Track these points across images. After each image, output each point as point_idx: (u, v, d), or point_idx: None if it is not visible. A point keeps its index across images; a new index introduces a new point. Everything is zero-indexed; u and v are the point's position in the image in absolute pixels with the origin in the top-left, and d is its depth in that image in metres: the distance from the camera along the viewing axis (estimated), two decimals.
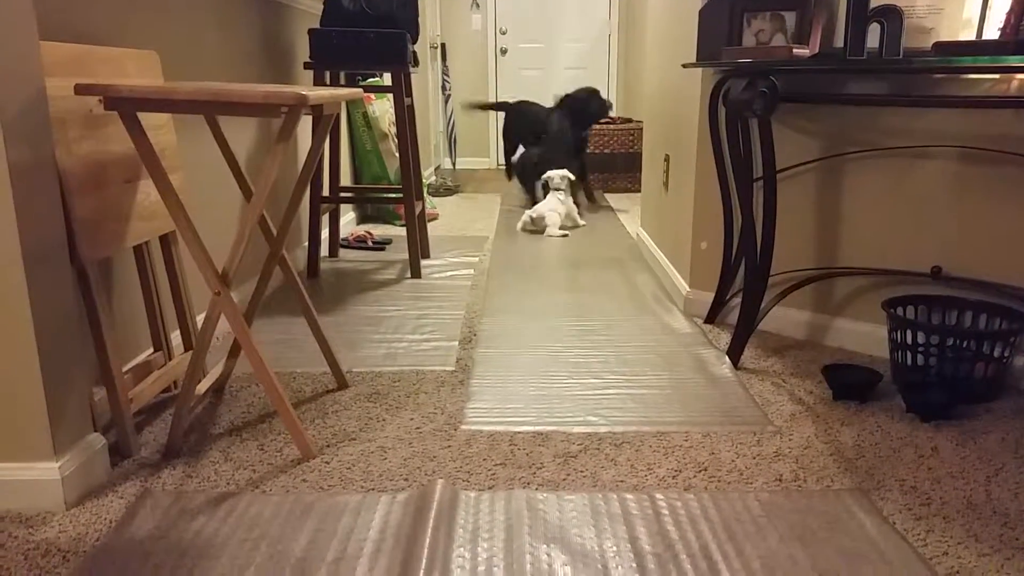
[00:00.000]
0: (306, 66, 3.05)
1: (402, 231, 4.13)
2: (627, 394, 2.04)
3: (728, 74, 2.32)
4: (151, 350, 2.02)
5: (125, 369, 1.80)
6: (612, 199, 5.28)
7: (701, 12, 2.41)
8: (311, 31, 2.99)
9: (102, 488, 1.56)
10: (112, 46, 1.88)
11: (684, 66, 2.49)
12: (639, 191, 5.21)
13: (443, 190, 5.55)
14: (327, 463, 1.66)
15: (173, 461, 1.66)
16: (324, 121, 1.83)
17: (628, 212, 4.80)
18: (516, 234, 4.13)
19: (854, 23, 2.02)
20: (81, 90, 1.47)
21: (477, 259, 3.55)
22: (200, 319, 2.19)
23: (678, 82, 2.90)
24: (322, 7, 3.10)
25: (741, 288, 2.44)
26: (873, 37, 2.02)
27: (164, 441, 1.75)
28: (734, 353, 2.27)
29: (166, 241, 1.96)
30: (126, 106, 1.50)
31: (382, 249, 3.78)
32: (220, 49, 2.52)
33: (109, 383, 1.65)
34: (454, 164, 6.83)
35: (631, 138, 5.47)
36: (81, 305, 1.64)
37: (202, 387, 1.89)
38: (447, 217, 4.68)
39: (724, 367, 2.23)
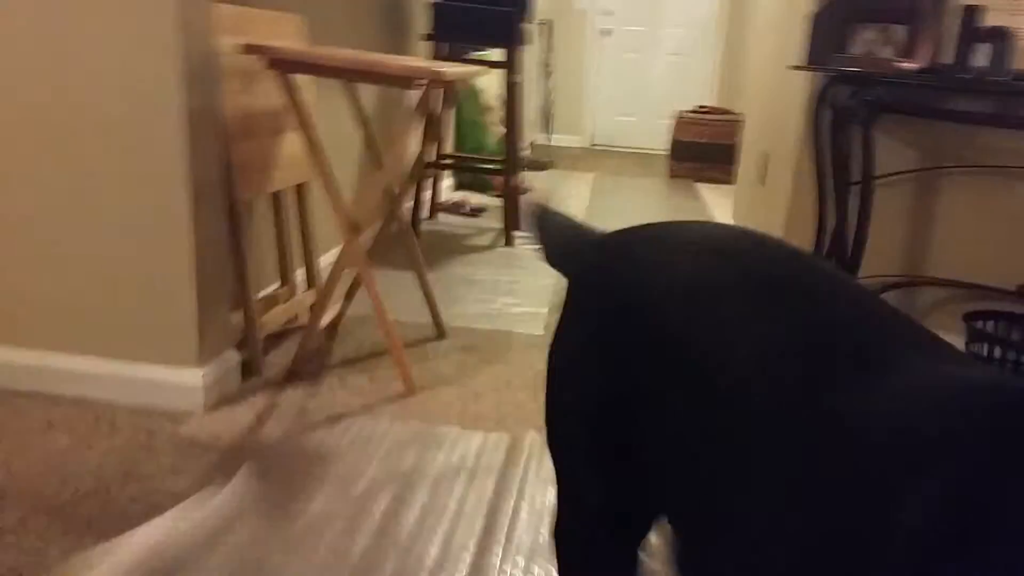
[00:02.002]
0: (426, 38, 3.23)
1: (495, 201, 4.31)
2: None
3: (834, 80, 2.40)
4: (277, 284, 2.25)
5: (256, 298, 2.03)
6: (703, 189, 5.35)
7: (813, 16, 2.48)
8: (434, 4, 3.17)
9: (234, 398, 1.79)
10: (265, 8, 2.10)
11: (792, 68, 2.57)
12: (730, 183, 5.26)
13: (536, 164, 5.70)
14: (428, 400, 1.86)
15: (295, 383, 1.89)
16: (452, 95, 2.01)
17: (718, 204, 4.87)
18: (607, 213, 4.26)
19: (963, 41, 2.07)
20: (250, 50, 1.68)
21: None
22: (322, 261, 2.41)
23: (783, 82, 2.97)
24: None
25: None
26: (981, 56, 2.07)
27: (287, 365, 1.97)
28: None
29: (299, 190, 2.18)
30: (284, 67, 1.70)
31: (476, 216, 3.96)
32: (351, 16, 2.73)
33: (246, 308, 1.88)
34: (549, 140, 6.97)
35: (727, 129, 5.50)
36: (227, 238, 1.87)
37: (323, 319, 2.12)
38: (541, 192, 4.84)
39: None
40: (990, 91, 2.13)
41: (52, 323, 1.70)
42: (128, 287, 1.67)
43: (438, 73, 1.65)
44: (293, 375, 1.91)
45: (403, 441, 1.65)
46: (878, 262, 2.51)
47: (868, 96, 2.13)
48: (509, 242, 3.42)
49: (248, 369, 1.91)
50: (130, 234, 1.63)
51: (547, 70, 6.79)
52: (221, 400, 1.77)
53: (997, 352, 2.09)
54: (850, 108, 2.20)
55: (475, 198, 4.38)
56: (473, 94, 4.42)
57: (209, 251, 1.69)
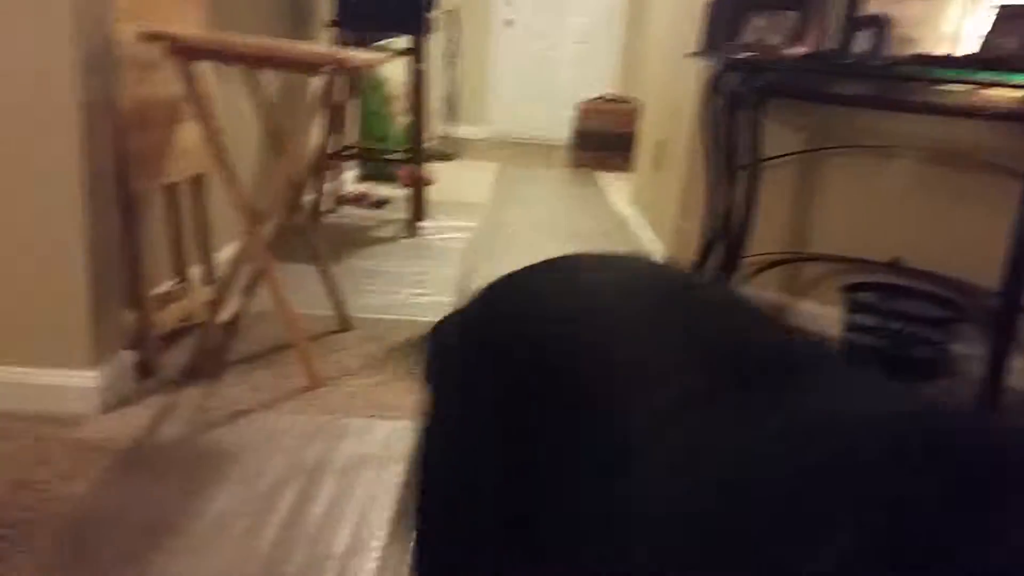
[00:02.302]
0: (331, 24, 3.18)
1: (398, 192, 4.28)
2: None
3: (726, 67, 2.49)
4: (174, 281, 2.18)
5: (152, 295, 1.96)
6: (604, 177, 5.45)
7: (707, 6, 2.57)
8: None
9: (130, 399, 1.73)
10: None
11: (686, 56, 2.65)
12: (631, 171, 5.38)
13: (440, 155, 5.69)
14: (332, 392, 1.84)
15: (193, 382, 1.84)
16: (357, 83, 1.99)
17: (618, 191, 4.98)
18: (510, 203, 4.29)
19: (845, 28, 2.19)
20: (148, 37, 1.62)
21: (472, 224, 3.72)
22: (221, 255, 2.34)
23: (679, 70, 3.06)
24: None
25: (716, 266, 2.62)
26: (861, 42, 2.20)
27: (185, 364, 1.92)
28: None
29: (197, 181, 2.11)
30: (184, 55, 1.64)
31: (380, 208, 3.93)
32: (253, 2, 2.65)
33: (141, 306, 1.82)
34: (453, 130, 6.96)
35: (627, 118, 5.62)
36: (121, 233, 1.79)
37: (221, 315, 2.06)
38: (444, 182, 4.84)
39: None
40: (869, 75, 2.26)
41: None
42: (16, 286, 1.58)
43: (343, 59, 1.63)
44: (191, 374, 1.86)
45: (308, 434, 1.63)
46: (765, 241, 2.63)
47: (757, 82, 2.22)
48: (414, 233, 3.41)
49: (144, 369, 1.84)
50: (18, 229, 1.55)
51: (452, 60, 6.77)
52: (117, 402, 1.70)
53: (872, 320, 2.22)
54: (740, 94, 2.29)
55: (379, 189, 4.34)
56: (377, 84, 4.37)
57: (102, 247, 1.62)
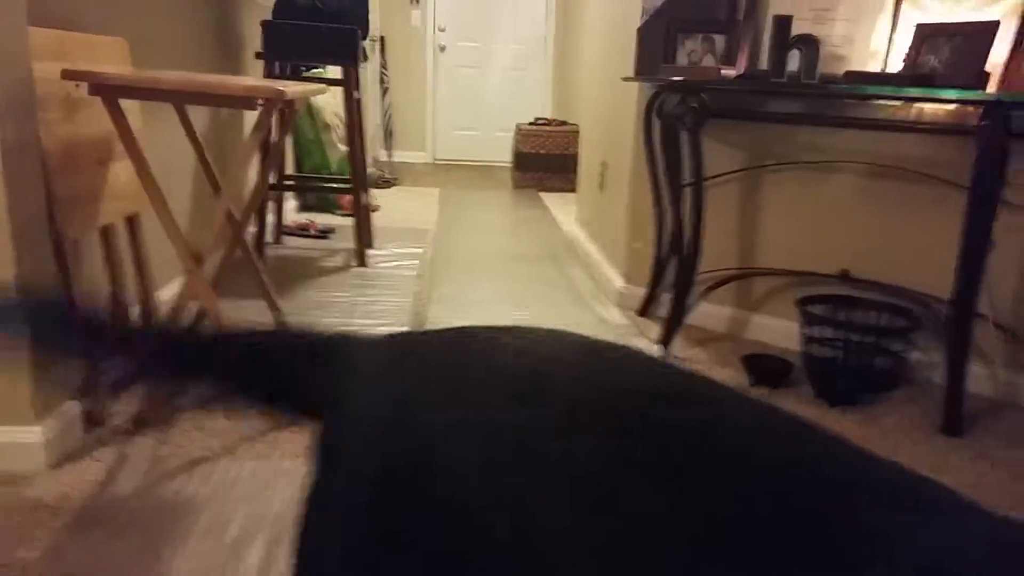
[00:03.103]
0: (257, 56, 3.12)
1: (342, 221, 4.22)
2: None
3: (662, 89, 2.53)
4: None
5: None
6: (547, 198, 5.48)
7: (639, 30, 2.62)
8: (264, 23, 3.07)
9: (79, 453, 1.64)
10: (84, 31, 1.95)
11: (624, 79, 2.69)
12: (572, 191, 5.43)
13: (381, 182, 5.64)
14: (293, 434, 1.79)
15: (145, 430, 1.76)
16: (290, 114, 1.95)
17: (562, 211, 5.01)
18: (457, 227, 4.27)
19: (776, 49, 2.25)
20: (69, 75, 1.55)
21: (420, 251, 3.68)
22: (162, 294, 2.26)
23: (615, 93, 3.10)
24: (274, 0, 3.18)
25: (671, 284, 2.65)
26: (793, 62, 2.26)
27: (133, 412, 1.83)
28: (665, 342, 2.49)
29: (131, 221, 2.03)
30: (111, 93, 1.58)
31: (325, 238, 3.86)
32: (178, 37, 2.59)
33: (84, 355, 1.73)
34: (390, 156, 6.92)
35: (566, 140, 5.68)
36: (55, 280, 1.71)
37: None
38: (388, 209, 4.79)
39: (655, 355, 2.44)
40: (804, 94, 2.33)
41: None
42: None
43: (278, 92, 1.59)
44: (142, 422, 1.78)
45: (270, 480, 1.57)
46: (717, 257, 2.67)
47: (694, 103, 2.26)
48: (363, 262, 3.36)
49: (91, 419, 1.76)
50: None
51: (383, 86, 6.74)
52: (65, 456, 1.62)
53: (829, 333, 2.27)
54: (678, 115, 2.33)
55: (321, 219, 4.27)
56: (310, 112, 4.31)
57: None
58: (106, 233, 1.98)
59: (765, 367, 2.30)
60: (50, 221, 1.61)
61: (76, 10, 1.90)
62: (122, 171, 1.93)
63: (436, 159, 7.25)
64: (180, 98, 1.62)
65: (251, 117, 1.68)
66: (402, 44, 6.95)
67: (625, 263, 2.94)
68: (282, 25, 3.07)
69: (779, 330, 2.57)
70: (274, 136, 2.74)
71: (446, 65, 7.03)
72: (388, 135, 6.89)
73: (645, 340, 2.57)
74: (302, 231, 3.87)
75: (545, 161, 5.72)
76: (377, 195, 5.17)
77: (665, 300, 2.80)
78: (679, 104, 2.30)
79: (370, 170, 6.04)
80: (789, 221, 2.52)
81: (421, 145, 7.24)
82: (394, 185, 5.73)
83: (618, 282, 2.99)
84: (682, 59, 2.47)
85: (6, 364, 1.51)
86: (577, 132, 5.50)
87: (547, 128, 5.73)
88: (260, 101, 1.64)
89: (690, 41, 2.44)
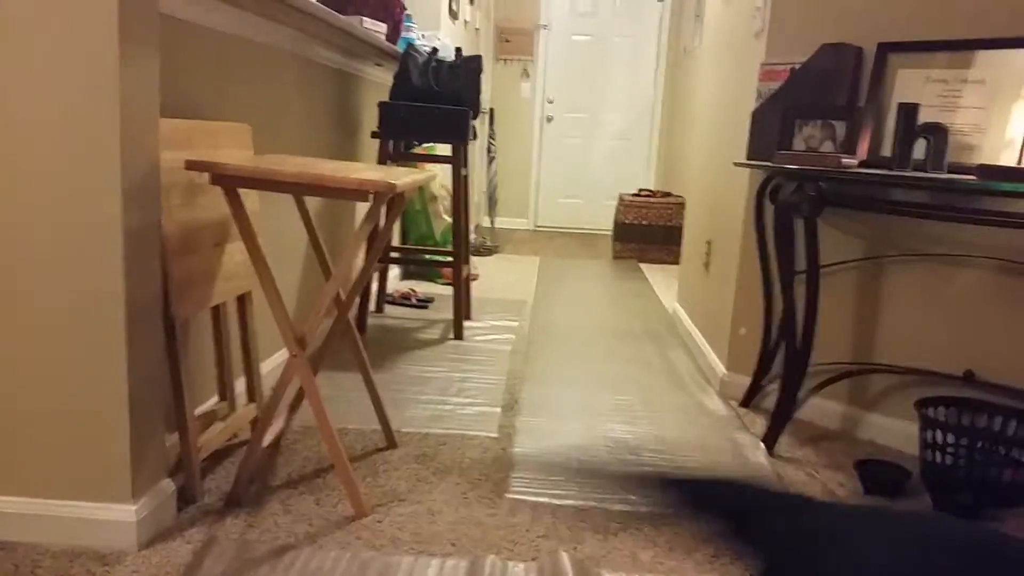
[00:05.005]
0: (373, 135, 3.23)
1: (443, 290, 4.26)
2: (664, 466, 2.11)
3: (777, 174, 2.44)
4: (216, 399, 2.13)
5: (194, 415, 1.91)
6: (647, 270, 5.39)
7: (754, 114, 2.54)
8: (381, 104, 3.18)
9: (170, 532, 1.66)
10: (210, 118, 2.05)
11: (736, 164, 2.62)
12: (674, 263, 5.32)
13: (483, 249, 5.70)
14: (379, 522, 1.75)
15: (236, 510, 1.76)
16: (399, 201, 1.97)
17: (664, 285, 4.90)
18: (554, 299, 4.24)
19: (902, 137, 2.14)
20: (193, 166, 1.62)
21: (516, 323, 3.66)
22: (264, 366, 2.30)
23: (725, 171, 3.03)
24: (392, 80, 3.29)
25: (778, 375, 2.51)
26: (919, 150, 2.13)
27: (226, 489, 1.85)
28: (769, 440, 2.34)
29: (241, 299, 2.09)
30: (230, 183, 1.64)
31: (425, 307, 3.90)
32: (299, 118, 2.70)
33: (182, 431, 1.77)
34: (493, 223, 7.00)
35: (669, 212, 5.60)
36: (164, 358, 1.76)
37: (264, 439, 2.00)
38: (487, 278, 4.82)
39: (759, 454, 2.30)
40: (928, 185, 2.19)
41: None
42: (53, 415, 1.54)
43: (390, 186, 1.61)
44: (233, 501, 1.79)
45: (352, 572, 1.53)
46: (830, 349, 2.52)
47: (811, 191, 2.16)
48: (459, 335, 3.35)
49: (185, 496, 1.78)
50: (57, 356, 1.52)
51: (490, 155, 6.87)
52: (156, 536, 1.63)
53: (951, 439, 2.08)
54: (793, 202, 2.23)
55: (423, 287, 4.33)
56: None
57: (144, 375, 1.59)
58: (216, 311, 2.04)
59: (880, 474, 2.12)
60: (164, 302, 1.67)
61: (203, 99, 2.00)
62: (237, 251, 2.00)
63: (537, 226, 7.29)
64: (296, 190, 1.66)
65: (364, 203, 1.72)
66: (511, 115, 7.09)
67: (729, 349, 2.82)
68: (398, 107, 3.17)
69: (895, 431, 2.38)
70: (383, 222, 2.79)
71: (552, 135, 7.13)
72: (492, 203, 6.99)
73: (749, 435, 2.43)
74: (404, 300, 3.92)
75: (647, 232, 5.65)
76: (477, 262, 5.22)
77: (770, 391, 2.65)
78: (795, 192, 2.20)
79: (472, 236, 6.13)
80: (910, 316, 2.35)
81: (524, 212, 7.31)
82: (495, 252, 5.78)
83: (721, 368, 2.86)
84: (799, 144, 2.38)
85: (106, 439, 1.55)
86: (681, 204, 5.42)
87: (650, 199, 5.67)
88: (372, 193, 1.66)
89: (808, 127, 2.35)
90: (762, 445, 2.35)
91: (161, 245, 1.64)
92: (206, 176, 1.73)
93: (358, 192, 1.61)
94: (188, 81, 1.92)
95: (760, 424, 2.53)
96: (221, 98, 2.11)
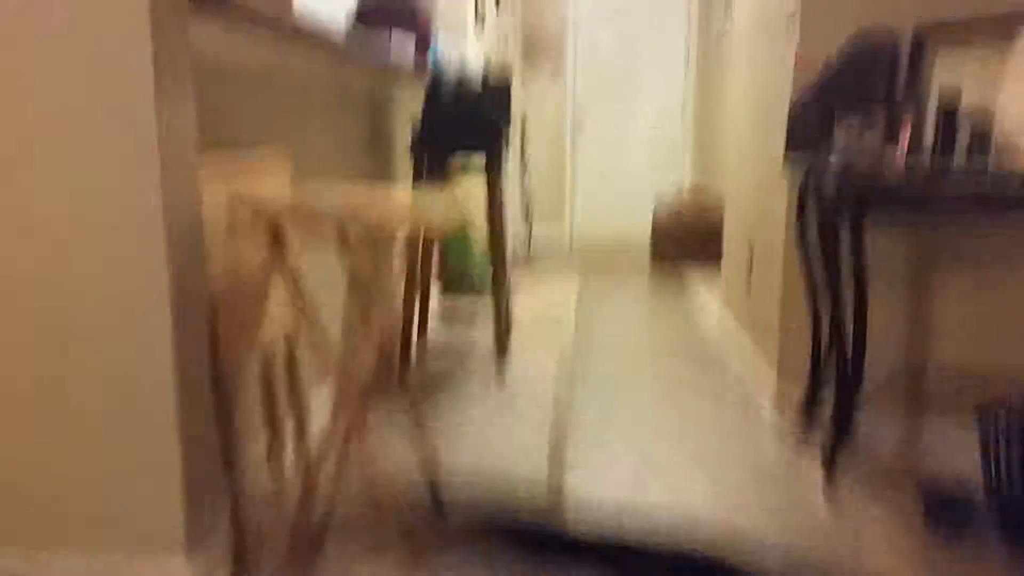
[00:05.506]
0: (407, 151, 3.23)
1: (483, 307, 4.24)
2: (714, 494, 2.06)
3: (819, 174, 2.37)
4: (267, 439, 2.14)
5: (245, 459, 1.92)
6: (689, 273, 5.31)
7: (791, 107, 2.47)
8: (413, 120, 3.17)
9: None
10: (246, 146, 2.05)
11: (774, 166, 2.54)
12: (716, 264, 5.23)
13: (520, 260, 5.67)
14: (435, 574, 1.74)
15: (289, 557, 1.76)
16: (440, 231, 1.95)
17: (706, 288, 4.82)
18: (596, 308, 4.19)
19: (945, 124, 2.05)
20: (234, 204, 1.61)
21: (559, 338, 3.62)
22: (313, 400, 2.31)
23: (763, 166, 2.95)
24: (424, 95, 3.28)
25: (833, 382, 2.44)
26: (963, 136, 2.04)
27: (279, 532, 1.85)
28: (826, 457, 2.27)
29: (287, 337, 2.09)
30: (271, 219, 1.63)
31: (467, 328, 3.88)
32: (335, 140, 2.70)
33: (235, 475, 1.77)
34: (530, 231, 6.97)
35: (708, 212, 5.50)
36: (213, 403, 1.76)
37: (315, 482, 2.00)
38: (526, 292, 4.79)
39: (815, 470, 2.23)
40: (977, 176, 2.10)
41: (11, 515, 1.58)
42: (102, 468, 1.55)
43: (428, 219, 1.59)
44: (287, 548, 1.78)
45: None
46: (883, 356, 2.44)
47: (855, 187, 2.09)
48: (502, 357, 3.33)
49: (237, 559, 1.77)
50: (105, 407, 1.53)
51: (523, 163, 6.84)
52: None
53: (1014, 444, 2.00)
54: (837, 201, 2.16)
55: (463, 303, 4.32)
56: None
57: (195, 422, 1.59)
58: (264, 352, 2.04)
59: (945, 502, 2.03)
60: (211, 346, 1.67)
61: (239, 127, 2.00)
62: (281, 292, 1.99)
63: (574, 231, 7.24)
64: (336, 223, 1.65)
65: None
66: (542, 120, 7.05)
67: (779, 358, 2.75)
68: (430, 122, 3.18)
69: (955, 440, 2.29)
70: (421, 252, 2.78)
71: (584, 136, 7.07)
72: (528, 210, 6.96)
73: (803, 450, 2.36)
74: (444, 321, 3.91)
75: (687, 234, 5.56)
76: (515, 275, 5.20)
77: (826, 400, 2.58)
78: (839, 189, 2.13)
79: (509, 247, 6.11)
80: (967, 318, 2.26)
81: (559, 217, 7.26)
82: (532, 262, 5.75)
83: (773, 379, 2.79)
84: (839, 137, 2.30)
85: (159, 491, 1.55)
86: (719, 208, 5.32)
87: (687, 200, 5.58)
88: (409, 225, 1.64)
89: (848, 118, 2.27)
90: (818, 462, 2.28)
91: (207, 288, 1.65)
92: (248, 211, 1.73)
93: (398, 223, 1.60)
94: (222, 111, 1.93)
95: (815, 439, 2.46)
96: (255, 125, 2.11)
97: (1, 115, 1.46)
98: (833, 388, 2.35)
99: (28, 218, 1.48)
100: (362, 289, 2.10)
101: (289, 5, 1.98)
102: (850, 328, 2.24)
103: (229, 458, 1.75)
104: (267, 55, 2.13)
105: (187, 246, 1.54)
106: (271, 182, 2.03)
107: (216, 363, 1.70)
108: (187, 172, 1.55)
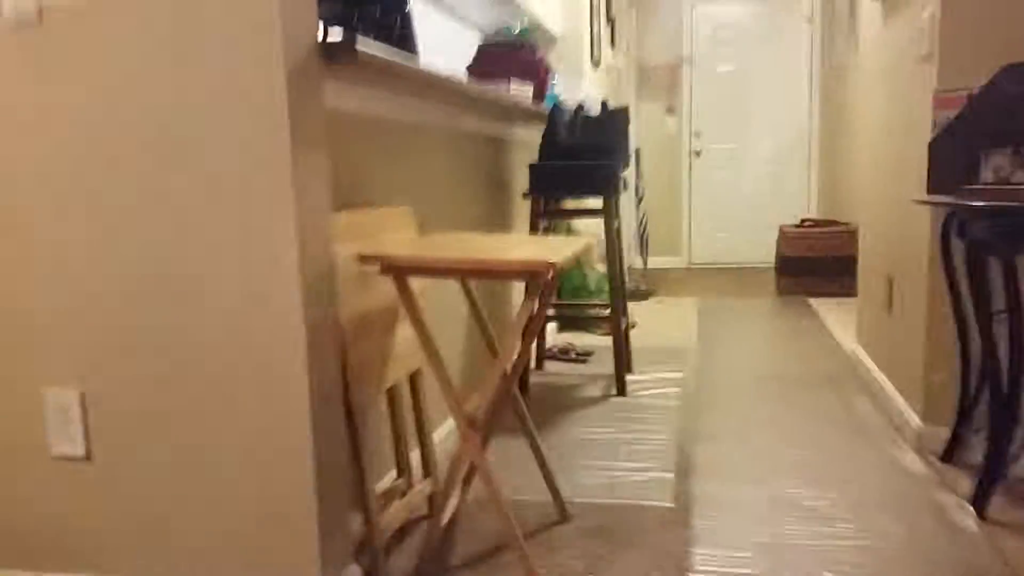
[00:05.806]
0: (524, 196, 3.27)
1: (602, 341, 4.22)
2: (860, 546, 1.94)
3: (966, 212, 2.23)
4: (394, 475, 2.19)
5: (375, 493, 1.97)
6: (818, 305, 5.10)
7: (931, 145, 2.35)
8: (531, 166, 3.22)
9: None
10: (371, 202, 2.14)
11: (916, 202, 2.42)
12: (847, 295, 5.00)
13: (637, 294, 5.61)
14: None
15: None
16: (558, 275, 1.96)
17: (838, 321, 4.61)
18: (718, 342, 4.08)
19: None
20: (364, 260, 1.68)
21: (680, 374, 3.55)
22: (436, 435, 2.35)
23: (900, 206, 2.81)
24: (541, 138, 3.33)
25: (983, 426, 2.27)
26: None
27: (407, 567, 1.88)
28: (979, 502, 2.11)
29: (412, 376, 2.15)
30: (399, 272, 1.69)
31: (585, 361, 3.87)
32: (453, 189, 2.78)
33: (366, 511, 1.81)
34: (645, 264, 6.90)
35: (838, 242, 5.29)
36: (345, 442, 1.83)
37: (443, 518, 2.02)
38: (645, 324, 4.73)
39: (968, 518, 2.07)
40: None
41: (147, 547, 1.67)
42: (240, 504, 1.63)
43: (552, 265, 1.61)
44: None
45: None
46: None
47: (1006, 227, 1.96)
48: (622, 391, 3.29)
49: None
50: (243, 445, 1.61)
51: (638, 196, 6.80)
52: None
53: None
54: (986, 240, 2.03)
55: (581, 339, 4.30)
56: (568, 233, 4.42)
57: (329, 460, 1.65)
58: (391, 392, 2.10)
59: None
60: (344, 388, 1.73)
61: (369, 189, 2.10)
62: (406, 330, 2.06)
63: (692, 263, 7.12)
64: (459, 275, 1.70)
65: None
66: (657, 152, 7.01)
67: (923, 397, 2.58)
68: (546, 166, 3.21)
69: None
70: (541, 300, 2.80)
71: (701, 168, 6.97)
72: (644, 243, 6.90)
73: (953, 495, 2.20)
74: (563, 355, 3.91)
75: (814, 264, 5.36)
76: (633, 308, 5.14)
77: (975, 444, 2.40)
78: (989, 228, 2.00)
79: (627, 282, 6.06)
80: None
81: (677, 250, 7.16)
82: (650, 295, 5.68)
83: (914, 420, 2.63)
84: (987, 176, 2.17)
85: (295, 525, 1.61)
86: (851, 233, 5.10)
87: (815, 230, 5.38)
88: (531, 272, 1.66)
89: (995, 156, 2.14)
90: (970, 508, 2.12)
91: (339, 335, 1.71)
92: (376, 265, 1.80)
93: (518, 273, 1.62)
94: (351, 169, 2.02)
95: (965, 483, 2.29)
96: (380, 180, 2.20)
97: (151, 179, 1.57)
98: (988, 430, 2.18)
99: (177, 276, 1.58)
100: (483, 328, 2.14)
101: (415, 60, 2.07)
102: (1005, 364, 2.09)
103: (361, 488, 1.80)
104: (388, 110, 2.22)
105: (321, 297, 1.62)
106: (397, 236, 2.10)
107: (348, 402, 1.76)
108: (321, 228, 1.62)
